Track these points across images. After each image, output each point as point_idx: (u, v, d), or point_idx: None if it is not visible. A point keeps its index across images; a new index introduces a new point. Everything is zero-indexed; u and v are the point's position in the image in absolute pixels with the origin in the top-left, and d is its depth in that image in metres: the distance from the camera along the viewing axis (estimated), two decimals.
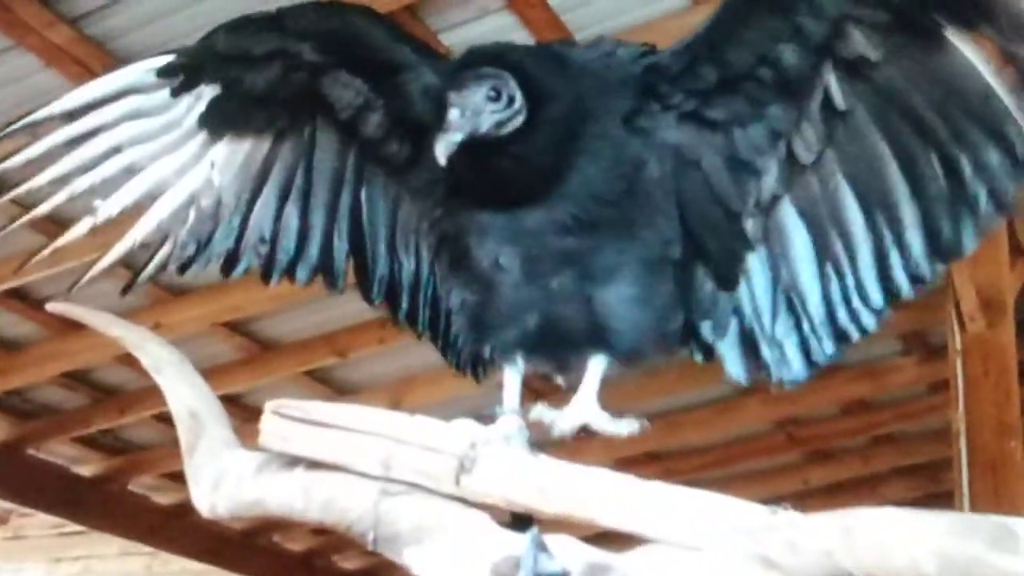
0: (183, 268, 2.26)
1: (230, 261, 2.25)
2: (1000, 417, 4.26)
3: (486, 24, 4.34)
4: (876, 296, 1.88)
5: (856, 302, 1.89)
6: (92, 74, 4.30)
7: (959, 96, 1.78)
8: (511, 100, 1.82)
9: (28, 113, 2.21)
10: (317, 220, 2.21)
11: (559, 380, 2.05)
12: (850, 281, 1.89)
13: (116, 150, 2.22)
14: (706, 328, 1.98)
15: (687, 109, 1.91)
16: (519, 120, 1.82)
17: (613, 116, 1.89)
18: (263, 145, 2.24)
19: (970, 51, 1.76)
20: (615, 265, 1.88)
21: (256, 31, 2.15)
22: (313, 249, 2.22)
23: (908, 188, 1.84)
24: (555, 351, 1.96)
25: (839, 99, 1.86)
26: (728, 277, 1.95)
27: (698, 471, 6.59)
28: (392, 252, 2.20)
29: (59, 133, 2.20)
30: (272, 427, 1.75)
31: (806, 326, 1.91)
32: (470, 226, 1.92)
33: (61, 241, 2.25)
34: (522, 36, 4.35)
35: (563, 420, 1.88)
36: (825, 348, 1.91)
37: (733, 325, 1.96)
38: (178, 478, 7.31)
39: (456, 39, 4.29)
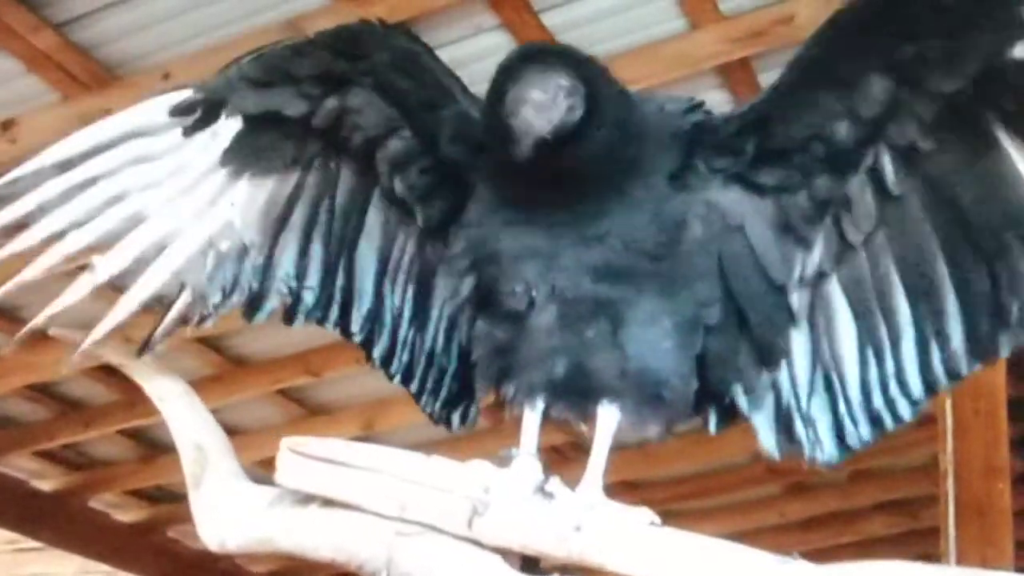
0: (202, 320, 2.11)
1: (253, 304, 2.12)
2: (988, 458, 4.24)
3: (480, 42, 4.28)
4: (916, 386, 1.86)
5: (894, 390, 1.87)
6: (75, 81, 4.23)
7: (1002, 201, 1.78)
8: (575, 104, 1.75)
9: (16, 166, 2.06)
10: (339, 256, 2.13)
11: (580, 427, 1.95)
12: (890, 368, 1.86)
13: (118, 199, 2.08)
14: (742, 399, 1.93)
15: (734, 171, 1.89)
16: (575, 118, 1.75)
17: (659, 168, 1.86)
18: (289, 180, 2.14)
19: (1019, 156, 1.76)
20: (648, 320, 1.83)
21: (289, 56, 2.07)
22: (338, 286, 2.13)
23: (953, 283, 1.82)
24: (579, 399, 1.89)
25: (891, 182, 1.85)
26: (770, 350, 1.91)
27: (675, 501, 6.52)
28: (379, 290, 2.13)
29: (50, 186, 2.05)
30: (288, 464, 1.71)
31: (843, 408, 1.88)
32: (502, 260, 1.87)
33: (58, 306, 2.08)
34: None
35: (589, 507, 1.78)
36: (860, 432, 1.88)
37: (770, 399, 1.91)
38: (141, 495, 7.20)
39: (449, 57, 4.20)
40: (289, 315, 2.14)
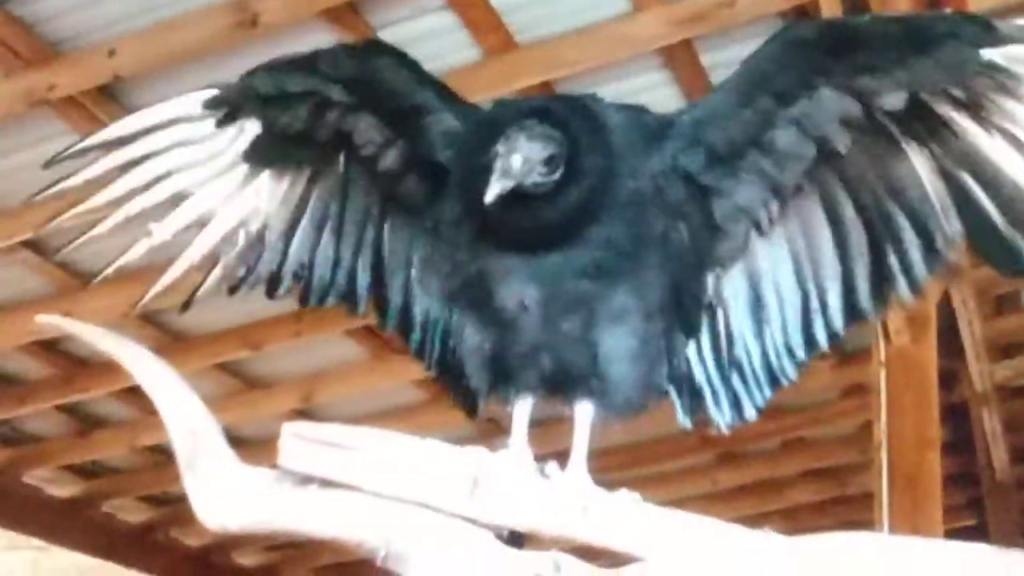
0: (233, 289, 2.35)
1: (273, 283, 2.34)
2: (920, 430, 4.37)
3: (425, 22, 4.31)
4: (800, 349, 2.08)
5: (784, 355, 2.08)
6: (18, 56, 4.18)
7: (900, 194, 2.00)
8: (555, 170, 1.87)
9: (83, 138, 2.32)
10: (346, 251, 2.31)
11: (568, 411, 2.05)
12: (779, 339, 2.08)
13: (167, 175, 2.31)
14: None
15: (690, 170, 2.03)
16: (553, 180, 1.88)
17: (637, 175, 1.98)
18: (301, 179, 2.33)
19: (919, 160, 1.99)
20: (621, 312, 1.95)
21: (291, 72, 2.23)
22: (341, 278, 2.31)
23: (837, 259, 2.04)
24: (563, 391, 2.00)
25: (805, 181, 2.05)
26: (692, 329, 2.08)
27: (610, 471, 6.59)
28: (407, 287, 2.27)
29: (112, 157, 2.28)
30: (290, 448, 1.77)
31: (745, 375, 2.08)
32: (494, 269, 1.96)
33: (120, 261, 2.37)
34: (463, 36, 4.35)
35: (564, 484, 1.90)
36: (755, 398, 2.09)
37: (683, 372, 2.08)
38: (77, 471, 7.15)
39: (395, 36, 4.25)
40: (302, 298, 2.34)
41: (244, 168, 2.32)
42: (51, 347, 5.92)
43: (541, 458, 1.95)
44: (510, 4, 4.28)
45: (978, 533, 7.18)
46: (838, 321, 2.05)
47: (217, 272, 2.34)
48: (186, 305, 2.38)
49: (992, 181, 1.94)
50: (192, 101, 2.30)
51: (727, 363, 2.08)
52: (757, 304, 2.08)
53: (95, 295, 5.46)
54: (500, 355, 1.99)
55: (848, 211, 2.03)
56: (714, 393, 2.07)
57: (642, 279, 1.98)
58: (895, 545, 1.82)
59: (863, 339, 4.59)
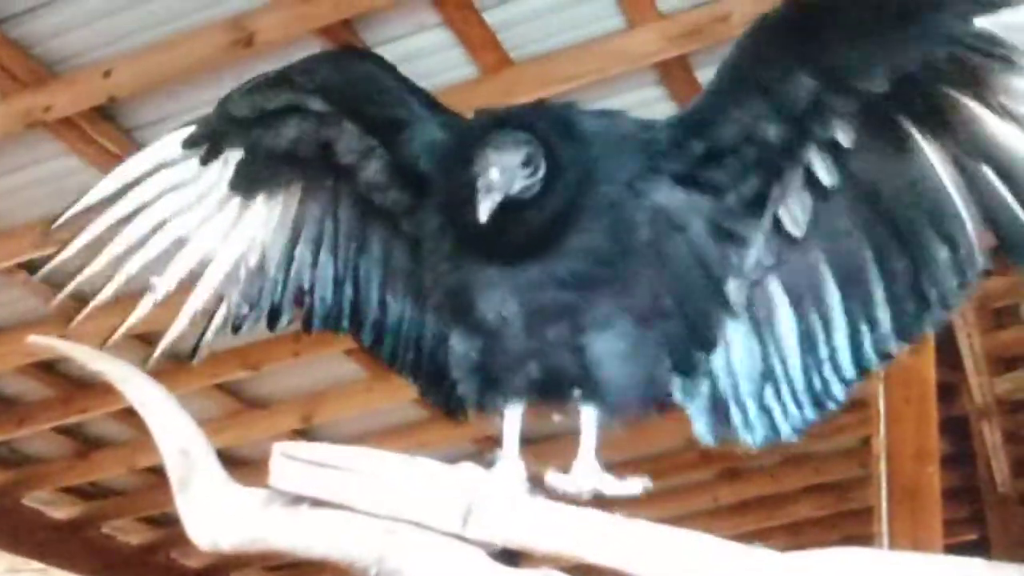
0: (237, 328, 2.33)
1: (273, 315, 2.31)
2: (919, 443, 4.37)
3: (423, 40, 4.32)
4: (849, 369, 1.95)
5: (829, 373, 1.95)
6: (14, 79, 4.19)
7: (920, 197, 1.86)
8: (537, 168, 1.85)
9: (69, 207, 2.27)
10: (344, 268, 2.28)
11: (556, 418, 2.06)
12: (825, 353, 1.95)
13: (161, 225, 2.28)
14: (676, 386, 2.01)
15: (680, 172, 1.97)
16: (537, 187, 1.86)
17: (615, 181, 1.94)
18: (293, 199, 2.31)
19: (933, 154, 1.84)
20: (607, 319, 1.92)
21: (266, 90, 2.21)
22: (344, 297, 2.27)
23: (879, 272, 1.91)
24: (555, 397, 1.98)
25: (823, 178, 1.93)
26: (706, 339, 1.99)
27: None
28: (382, 295, 2.25)
29: (103, 218, 2.25)
30: (281, 468, 1.76)
31: (781, 393, 1.97)
32: (476, 280, 1.94)
33: (130, 321, 2.35)
34: (458, 53, 4.36)
35: (572, 485, 1.92)
36: (793, 418, 1.97)
37: (705, 388, 2.01)
38: (75, 492, 7.13)
39: (391, 54, 4.24)
40: (306, 323, 2.30)
41: (236, 200, 2.29)
42: (49, 369, 5.91)
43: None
44: (505, 21, 4.29)
45: (980, 547, 7.15)
46: (888, 337, 1.91)
47: (222, 313, 2.31)
48: (194, 352, 2.36)
49: (1009, 170, 1.78)
50: (171, 143, 2.28)
51: (761, 378, 1.98)
52: (799, 318, 1.96)
53: (93, 317, 5.46)
54: (487, 363, 1.96)
55: (875, 215, 1.90)
56: (742, 409, 1.98)
57: (628, 286, 1.94)
58: (887, 560, 1.81)
59: None
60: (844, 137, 1.89)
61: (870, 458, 4.74)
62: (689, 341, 1.99)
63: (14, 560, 7.63)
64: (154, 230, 2.27)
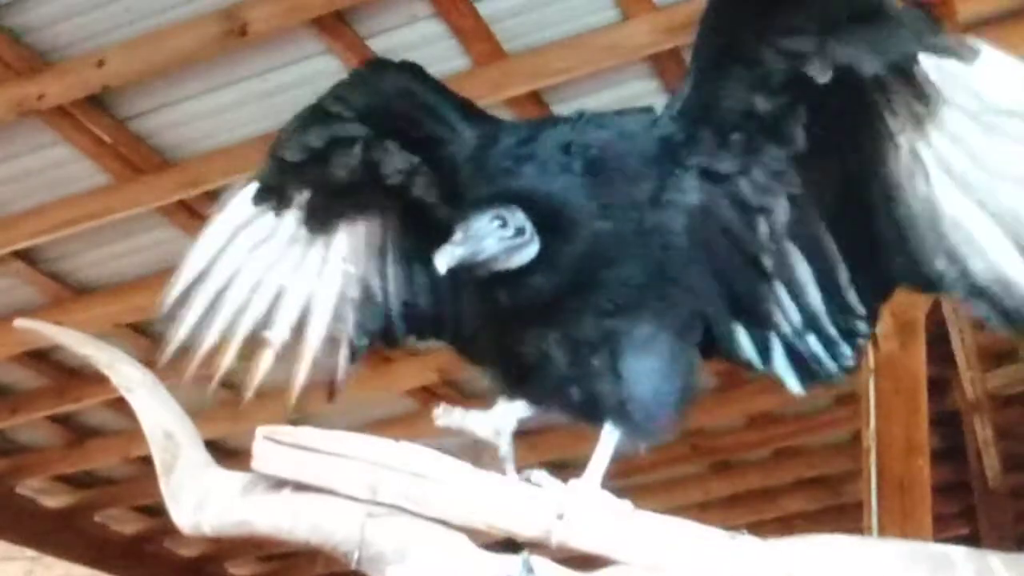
0: (354, 357, 2.34)
1: (388, 336, 2.33)
2: (909, 436, 4.37)
3: (415, 31, 4.32)
4: (858, 306, 1.98)
5: (848, 310, 1.98)
6: (8, 67, 4.19)
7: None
8: (519, 230, 1.85)
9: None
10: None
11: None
12: (840, 292, 1.98)
13: (258, 284, 2.28)
14: (755, 359, 2.03)
15: (701, 166, 1.97)
16: (533, 249, 1.86)
17: (639, 204, 1.94)
18: (372, 221, 2.31)
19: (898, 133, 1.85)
20: (644, 344, 1.93)
21: (308, 127, 2.20)
22: (446, 302, 2.29)
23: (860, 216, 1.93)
24: (590, 418, 1.97)
25: (802, 135, 1.94)
26: (760, 312, 2.01)
27: (603, 479, 6.60)
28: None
29: (202, 296, 2.26)
30: (263, 451, 1.77)
31: (827, 335, 1.99)
32: (510, 316, 1.94)
33: (257, 380, 2.37)
34: (451, 44, 4.36)
35: (572, 495, 1.88)
36: (843, 351, 2.00)
37: (779, 350, 2.02)
38: (69, 481, 7.14)
39: (384, 45, 4.27)
40: (418, 336, 2.34)
41: (319, 239, 2.30)
42: (43, 357, 5.91)
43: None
44: (499, 12, 4.29)
45: (970, 542, 7.13)
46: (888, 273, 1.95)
47: (345, 352, 2.31)
48: (331, 394, 2.39)
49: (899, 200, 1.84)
50: (241, 205, 2.28)
51: (805, 327, 1.99)
52: (811, 265, 1.99)
53: (87, 306, 5.48)
54: (526, 391, 1.98)
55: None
56: (813, 356, 1.99)
57: (670, 301, 1.95)
58: (867, 546, 1.82)
59: None
60: (824, 104, 1.88)
61: (862, 452, 4.75)
62: (744, 318, 2.01)
63: (8, 548, 7.64)
64: (252, 290, 2.27)
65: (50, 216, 4.85)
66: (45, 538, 7.31)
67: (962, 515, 7.67)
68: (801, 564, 1.75)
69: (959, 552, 1.76)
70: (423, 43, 4.33)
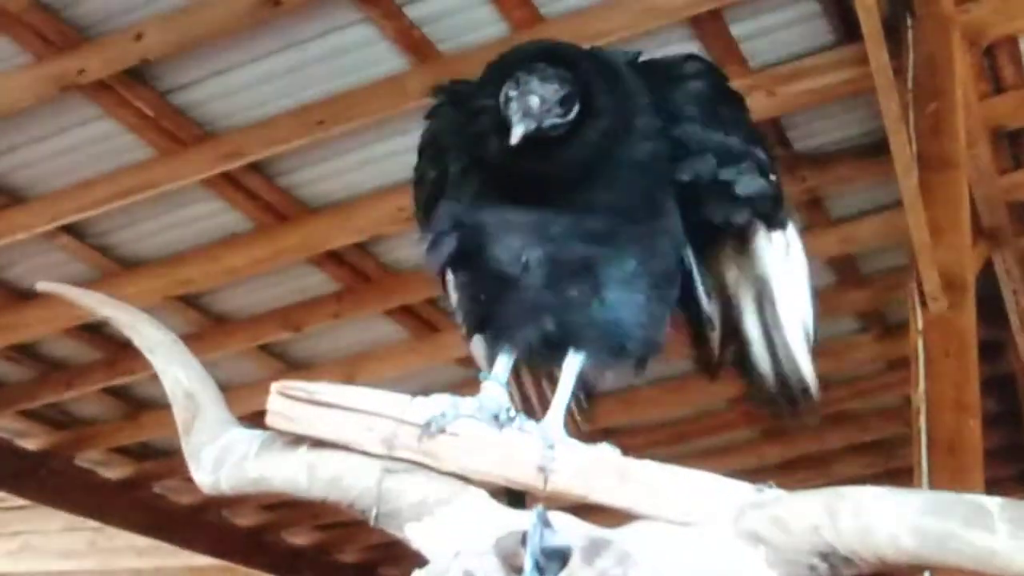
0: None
1: None
2: (959, 397, 4.28)
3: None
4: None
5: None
6: (47, 42, 4.22)
7: None
8: (568, 111, 1.84)
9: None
10: None
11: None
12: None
13: None
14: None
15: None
16: (568, 120, 1.84)
17: (643, 135, 1.94)
18: None
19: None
20: (627, 278, 1.92)
21: (429, 158, 2.17)
22: None
23: None
24: (557, 351, 1.96)
25: None
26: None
27: (653, 447, 6.59)
28: None
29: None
30: (278, 407, 1.76)
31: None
32: (497, 223, 1.91)
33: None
34: (488, 10, 4.33)
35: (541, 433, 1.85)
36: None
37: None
38: (126, 452, 7.24)
39: (420, 12, 4.26)
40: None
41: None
42: (96, 331, 5.99)
43: None
44: None
45: None
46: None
47: None
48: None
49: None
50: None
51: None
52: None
53: (135, 279, 5.53)
54: (497, 312, 1.95)
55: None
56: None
57: (653, 239, 1.95)
58: (895, 495, 1.77)
59: (907, 311, 4.50)
60: None
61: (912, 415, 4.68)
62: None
63: (72, 519, 7.78)
64: None
65: (95, 191, 4.90)
66: (106, 509, 7.44)
67: (1018, 479, 7.54)
68: (827, 515, 1.72)
69: (994, 502, 1.70)
70: (461, 9, 4.32)
